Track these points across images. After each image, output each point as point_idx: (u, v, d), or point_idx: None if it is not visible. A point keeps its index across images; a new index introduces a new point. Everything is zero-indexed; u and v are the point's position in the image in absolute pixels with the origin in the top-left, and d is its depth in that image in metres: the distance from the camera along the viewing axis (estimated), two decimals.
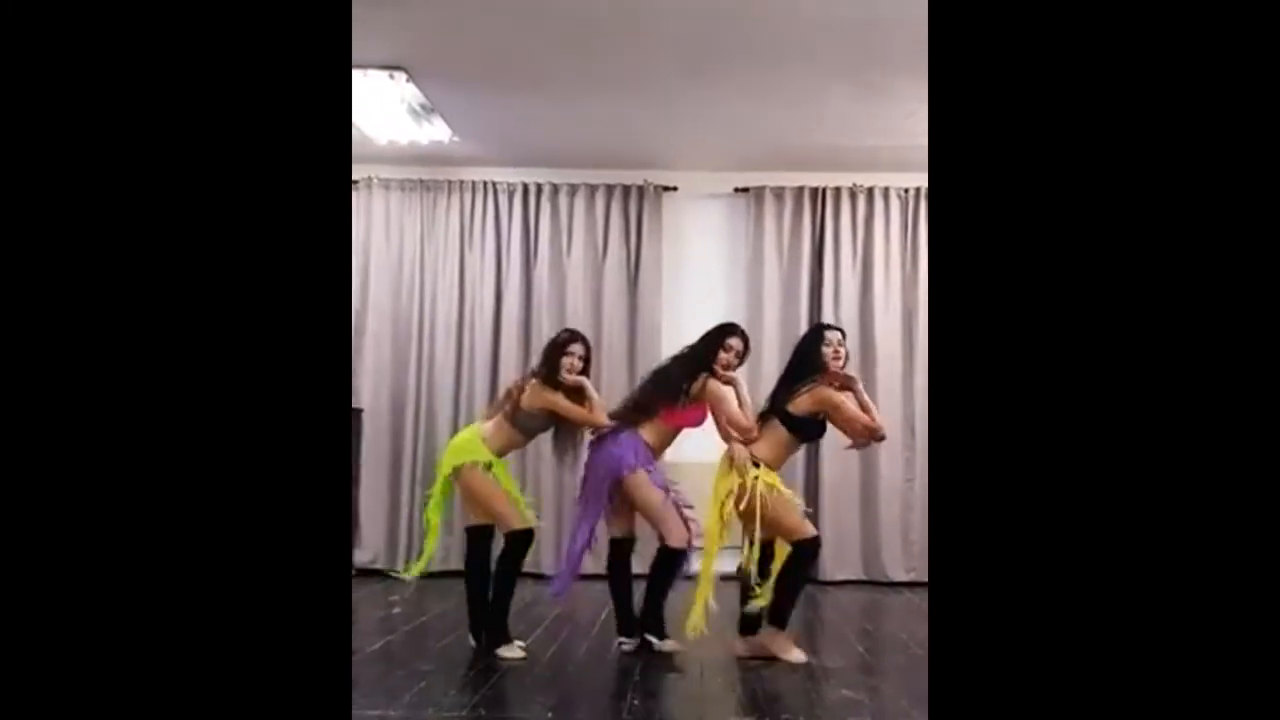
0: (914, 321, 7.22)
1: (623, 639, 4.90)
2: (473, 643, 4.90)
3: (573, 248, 7.46)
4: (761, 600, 4.71)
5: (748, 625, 4.83)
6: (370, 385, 7.29)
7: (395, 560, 7.13)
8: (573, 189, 7.51)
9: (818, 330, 5.01)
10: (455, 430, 7.31)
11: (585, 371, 4.98)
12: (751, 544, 4.69)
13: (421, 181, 7.47)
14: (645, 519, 4.93)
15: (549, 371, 4.91)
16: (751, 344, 5.17)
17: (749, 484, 4.63)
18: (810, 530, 4.79)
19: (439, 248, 7.46)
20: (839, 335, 4.88)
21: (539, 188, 7.52)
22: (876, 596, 6.78)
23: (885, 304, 7.31)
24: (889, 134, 6.56)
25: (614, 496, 4.89)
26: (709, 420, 4.93)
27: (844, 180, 7.40)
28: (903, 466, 7.15)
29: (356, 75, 5.29)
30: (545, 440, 5.22)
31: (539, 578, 6.47)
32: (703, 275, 7.57)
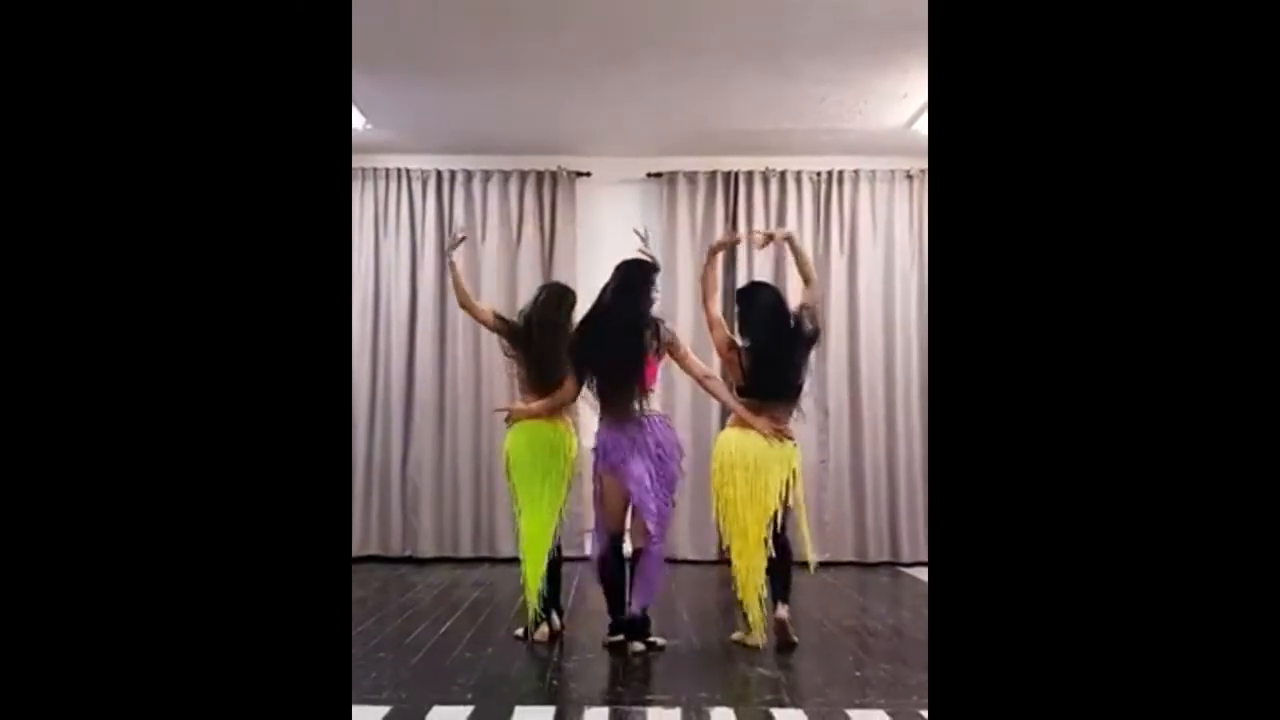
0: (826, 303, 7.29)
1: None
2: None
3: (487, 235, 7.45)
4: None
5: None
6: None
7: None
8: (486, 175, 7.49)
9: None
10: (372, 419, 7.28)
11: None
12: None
13: None
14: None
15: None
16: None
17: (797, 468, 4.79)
18: None
19: (354, 236, 7.39)
20: None
21: (453, 175, 7.49)
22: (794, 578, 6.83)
23: (798, 287, 7.35)
24: (801, 117, 6.64)
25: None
26: None
27: (756, 164, 7.47)
28: (816, 449, 7.25)
29: None
30: None
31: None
32: (617, 261, 7.56)
